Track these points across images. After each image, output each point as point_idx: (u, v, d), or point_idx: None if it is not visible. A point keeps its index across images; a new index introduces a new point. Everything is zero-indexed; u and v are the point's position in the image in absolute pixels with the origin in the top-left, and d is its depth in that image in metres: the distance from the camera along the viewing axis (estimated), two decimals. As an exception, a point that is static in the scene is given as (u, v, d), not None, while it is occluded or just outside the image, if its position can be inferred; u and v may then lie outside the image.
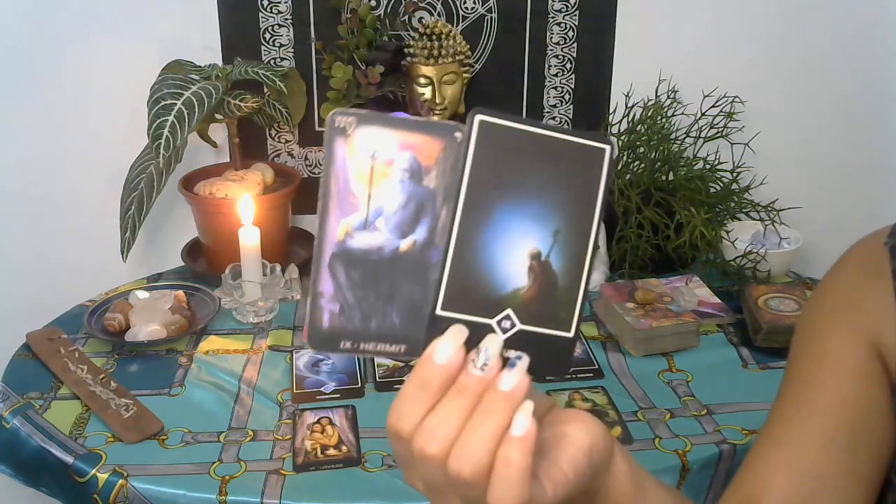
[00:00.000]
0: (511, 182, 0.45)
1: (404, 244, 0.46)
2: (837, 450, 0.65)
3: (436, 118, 1.44)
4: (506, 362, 0.46)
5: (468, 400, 0.45)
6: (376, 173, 0.46)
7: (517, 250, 0.46)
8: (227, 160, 1.53)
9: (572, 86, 1.61)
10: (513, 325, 0.47)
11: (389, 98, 1.50)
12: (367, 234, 0.46)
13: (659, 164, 1.49)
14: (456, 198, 0.45)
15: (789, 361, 0.71)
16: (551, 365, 0.48)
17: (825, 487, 0.64)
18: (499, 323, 0.47)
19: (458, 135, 0.45)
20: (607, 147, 0.46)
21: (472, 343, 0.46)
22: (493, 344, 0.46)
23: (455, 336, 0.45)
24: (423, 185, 0.46)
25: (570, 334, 0.48)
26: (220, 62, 1.50)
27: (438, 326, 0.45)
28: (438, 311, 0.45)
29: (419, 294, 0.47)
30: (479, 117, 0.44)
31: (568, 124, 1.63)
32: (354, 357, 1.21)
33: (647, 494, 0.55)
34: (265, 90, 1.49)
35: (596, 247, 0.47)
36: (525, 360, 0.45)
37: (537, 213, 0.46)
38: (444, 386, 0.45)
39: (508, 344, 0.47)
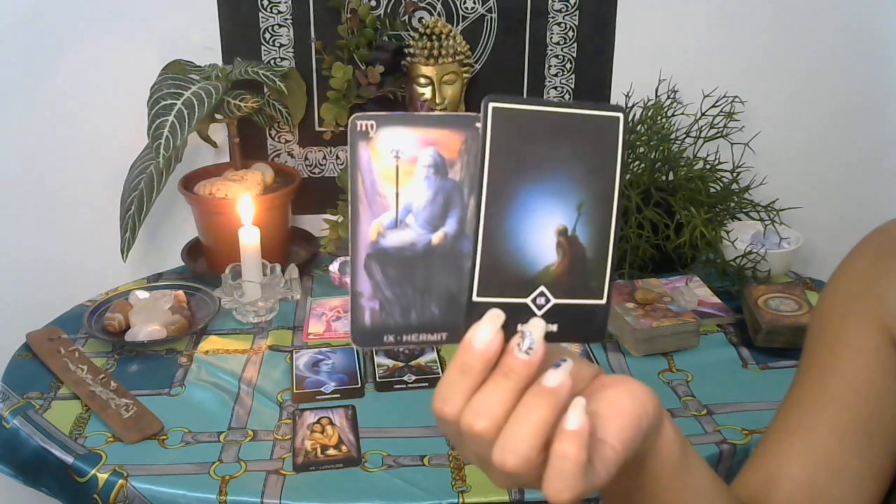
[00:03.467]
0: (530, 163, 0.46)
1: (436, 237, 0.48)
2: (851, 439, 0.64)
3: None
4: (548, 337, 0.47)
5: (514, 382, 0.46)
6: (402, 172, 0.47)
7: (544, 229, 0.47)
8: (227, 160, 1.53)
9: (572, 86, 1.61)
10: (547, 301, 0.48)
11: (389, 98, 1.50)
12: (398, 232, 0.48)
13: (659, 164, 1.49)
14: (479, 186, 0.46)
15: (805, 348, 0.70)
16: (587, 332, 0.50)
17: (838, 477, 0.64)
18: (533, 301, 0.48)
19: (478, 125, 0.46)
20: (620, 115, 0.47)
21: (510, 323, 0.47)
22: (536, 328, 0.47)
23: (492, 320, 0.47)
24: (448, 179, 0.48)
25: (603, 301, 0.49)
26: (220, 62, 1.50)
27: (476, 312, 0.47)
28: (475, 298, 0.47)
29: (455, 283, 0.48)
30: (492, 105, 0.45)
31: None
32: (354, 356, 1.21)
33: (691, 461, 0.55)
34: (265, 90, 1.49)
35: (621, 214, 0.49)
36: (569, 364, 0.46)
37: (559, 190, 0.47)
38: (485, 369, 0.46)
39: (546, 318, 0.48)
